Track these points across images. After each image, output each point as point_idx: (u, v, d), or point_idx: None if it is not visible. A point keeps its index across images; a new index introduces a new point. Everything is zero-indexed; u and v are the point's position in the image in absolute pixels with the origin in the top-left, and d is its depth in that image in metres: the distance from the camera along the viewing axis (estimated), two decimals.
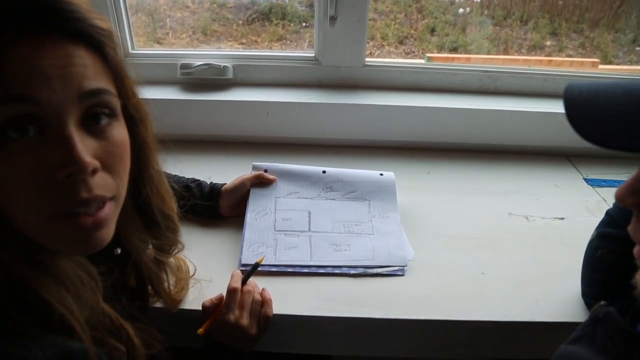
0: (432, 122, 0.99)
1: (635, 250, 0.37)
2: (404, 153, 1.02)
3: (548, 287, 0.67)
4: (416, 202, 0.86)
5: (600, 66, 1.40)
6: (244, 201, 0.79)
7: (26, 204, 0.33)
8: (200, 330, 0.57)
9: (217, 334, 0.58)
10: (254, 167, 0.83)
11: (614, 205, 0.59)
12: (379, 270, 0.70)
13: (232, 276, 0.63)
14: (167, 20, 1.49)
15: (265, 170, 0.82)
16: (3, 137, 0.32)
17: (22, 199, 0.32)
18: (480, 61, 1.34)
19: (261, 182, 0.80)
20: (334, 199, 0.80)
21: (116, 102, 0.38)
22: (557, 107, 0.95)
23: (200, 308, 0.62)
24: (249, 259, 0.70)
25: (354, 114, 0.98)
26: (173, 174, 0.78)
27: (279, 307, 0.64)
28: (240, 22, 1.51)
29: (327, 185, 0.82)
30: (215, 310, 0.61)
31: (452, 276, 0.70)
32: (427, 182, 0.93)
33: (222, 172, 0.87)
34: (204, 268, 0.68)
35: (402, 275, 0.70)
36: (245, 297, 0.60)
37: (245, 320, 0.58)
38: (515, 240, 0.77)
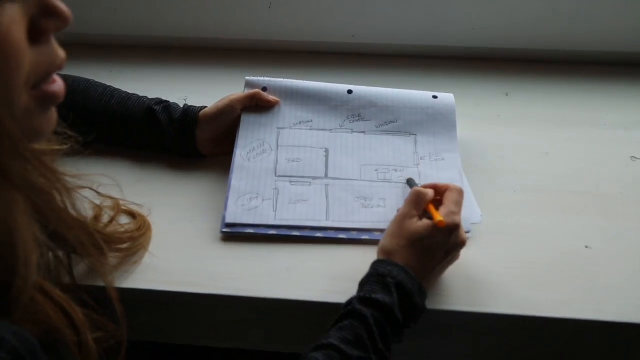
0: (513, 17, 0.94)
1: None
2: (469, 65, 0.98)
3: None
4: (486, 139, 0.83)
5: None
6: (232, 133, 0.77)
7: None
8: (440, 219, 0.59)
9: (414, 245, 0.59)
10: (248, 84, 0.80)
11: None
12: None
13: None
14: None
15: (264, 89, 0.79)
16: None
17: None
18: None
19: (257, 104, 0.78)
20: (363, 132, 0.78)
21: None
22: None
23: (152, 289, 0.63)
24: (237, 217, 0.69)
25: (397, 6, 0.95)
26: (131, 92, 0.78)
27: (278, 289, 0.63)
28: None
29: (354, 111, 0.79)
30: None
31: (538, 250, 0.68)
32: (504, 109, 0.90)
33: (201, 89, 0.87)
34: (168, 230, 0.68)
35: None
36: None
37: (465, 237, 0.62)
38: (638, 200, 0.74)
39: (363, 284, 0.58)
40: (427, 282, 0.59)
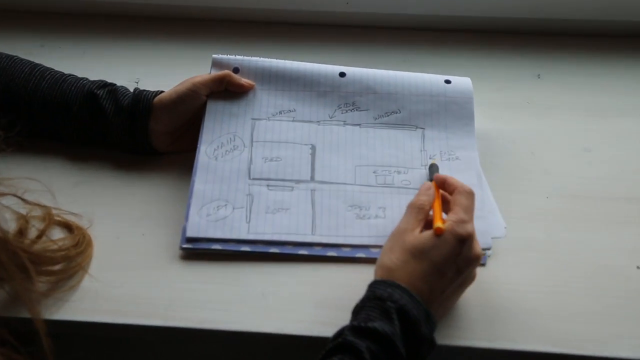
0: None
1: None
2: (491, 40, 0.99)
3: None
4: (512, 132, 0.84)
5: None
6: (195, 124, 0.78)
7: None
8: (440, 224, 0.60)
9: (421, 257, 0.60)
10: (215, 63, 0.81)
11: None
12: None
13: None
14: None
15: (236, 70, 0.80)
16: None
17: None
18: None
19: (227, 89, 0.79)
20: (358, 125, 0.79)
21: None
22: None
23: (92, 321, 0.62)
24: (201, 229, 0.69)
25: None
26: (67, 73, 0.79)
27: (252, 320, 0.63)
28: None
29: (348, 99, 0.80)
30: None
31: (576, 271, 0.69)
32: (535, 95, 0.91)
33: (157, 69, 0.88)
34: (114, 247, 0.68)
35: (483, 265, 0.68)
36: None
37: (480, 249, 0.62)
38: None
39: (357, 310, 0.57)
40: (437, 309, 0.59)
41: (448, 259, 0.58)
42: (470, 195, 0.63)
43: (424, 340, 0.56)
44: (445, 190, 0.65)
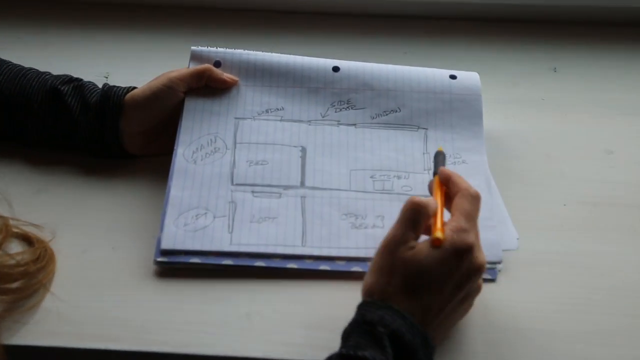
0: None
1: None
2: (502, 30, 1.00)
3: None
4: (526, 132, 0.84)
5: None
6: (171, 124, 0.78)
7: None
8: (439, 234, 0.59)
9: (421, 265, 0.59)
10: (194, 56, 0.81)
11: None
12: None
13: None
14: None
15: (217, 63, 0.80)
16: None
17: None
18: None
19: (207, 85, 0.79)
20: (353, 125, 0.79)
21: None
22: None
23: (55, 346, 0.61)
24: (178, 241, 0.69)
25: None
26: (27, 66, 0.79)
27: (235, 343, 0.63)
28: None
29: (342, 96, 0.81)
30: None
31: (599, 288, 0.68)
32: (551, 90, 0.91)
33: (129, 63, 0.89)
34: (79, 262, 0.68)
35: (493, 281, 0.69)
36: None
37: (483, 259, 0.60)
38: None
39: (346, 335, 0.57)
40: (435, 331, 0.58)
41: (445, 273, 0.57)
42: (475, 199, 0.62)
43: None
44: (448, 189, 0.64)
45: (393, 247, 0.59)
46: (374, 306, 0.57)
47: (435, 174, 0.67)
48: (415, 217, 0.60)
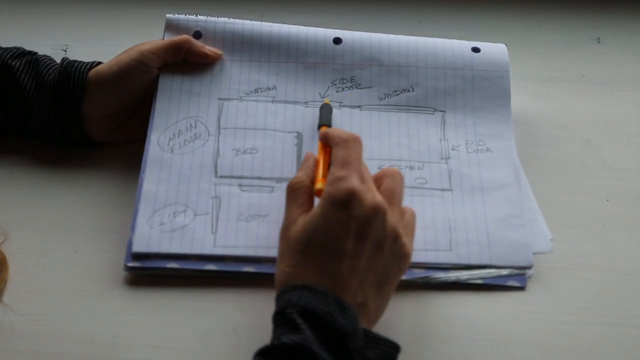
0: None
1: None
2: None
3: None
4: (562, 115, 0.84)
5: None
6: (143, 106, 0.80)
7: None
8: (319, 184, 0.64)
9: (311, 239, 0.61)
10: (170, 26, 0.82)
11: None
12: (467, 275, 0.70)
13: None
14: None
15: (198, 34, 0.81)
16: None
17: None
18: None
19: (185, 60, 0.80)
20: (358, 107, 0.80)
21: None
22: None
23: None
24: (152, 242, 0.70)
25: None
26: None
27: None
28: None
29: (345, 73, 0.81)
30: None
31: None
32: (593, 65, 0.92)
33: (91, 33, 0.90)
34: (36, 268, 0.69)
35: (522, 289, 0.70)
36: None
37: (378, 198, 0.62)
38: None
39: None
40: (361, 294, 0.61)
41: (334, 230, 0.59)
42: (347, 142, 0.64)
43: (346, 333, 0.57)
44: (330, 147, 0.67)
45: (284, 231, 0.62)
46: (282, 294, 0.59)
47: (319, 127, 0.71)
48: (294, 196, 0.63)
